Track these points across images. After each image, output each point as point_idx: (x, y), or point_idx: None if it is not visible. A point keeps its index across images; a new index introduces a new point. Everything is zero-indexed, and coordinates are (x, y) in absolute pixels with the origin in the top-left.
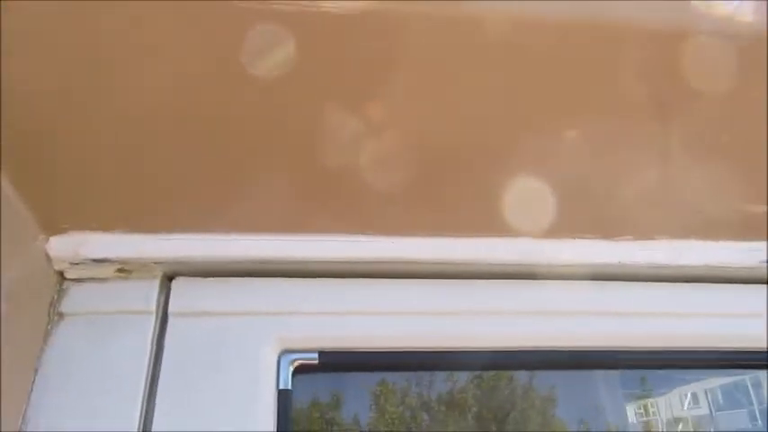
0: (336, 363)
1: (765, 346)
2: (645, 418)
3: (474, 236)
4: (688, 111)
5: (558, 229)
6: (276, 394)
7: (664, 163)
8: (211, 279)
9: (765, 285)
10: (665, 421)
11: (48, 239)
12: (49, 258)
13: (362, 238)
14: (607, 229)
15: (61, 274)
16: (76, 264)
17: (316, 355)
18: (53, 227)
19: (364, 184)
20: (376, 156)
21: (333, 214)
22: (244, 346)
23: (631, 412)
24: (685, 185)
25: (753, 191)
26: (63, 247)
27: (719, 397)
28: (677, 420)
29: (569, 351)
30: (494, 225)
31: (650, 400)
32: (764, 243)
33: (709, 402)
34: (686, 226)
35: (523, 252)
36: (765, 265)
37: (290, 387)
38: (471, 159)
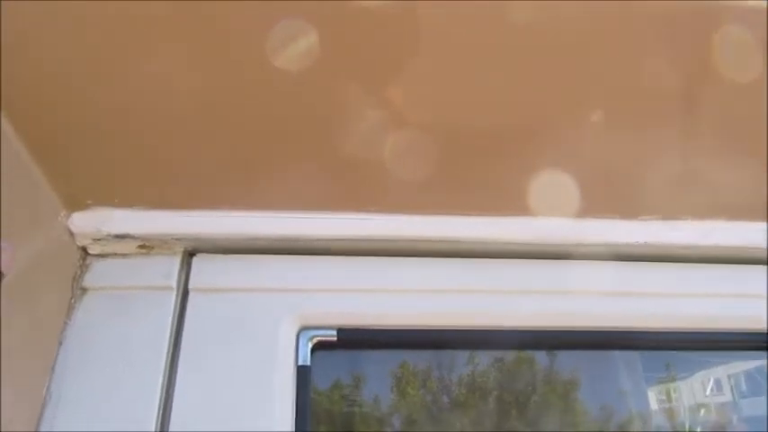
0: (355, 340)
1: None
2: (667, 405)
3: (497, 215)
4: (715, 95)
5: (584, 210)
6: (295, 370)
7: (689, 145)
8: (232, 256)
9: None
10: (687, 407)
11: (70, 215)
12: (71, 234)
13: (380, 217)
14: (633, 210)
15: (84, 249)
16: (99, 239)
17: (334, 332)
18: (76, 203)
19: (384, 167)
20: (398, 140)
21: (352, 194)
22: (263, 322)
23: (653, 398)
24: (710, 168)
25: None
26: (86, 223)
27: (742, 383)
28: (700, 406)
29: (593, 331)
30: (517, 205)
31: (672, 384)
32: None
33: (732, 388)
34: (712, 207)
35: (548, 232)
36: None
37: (308, 363)
38: (497, 142)
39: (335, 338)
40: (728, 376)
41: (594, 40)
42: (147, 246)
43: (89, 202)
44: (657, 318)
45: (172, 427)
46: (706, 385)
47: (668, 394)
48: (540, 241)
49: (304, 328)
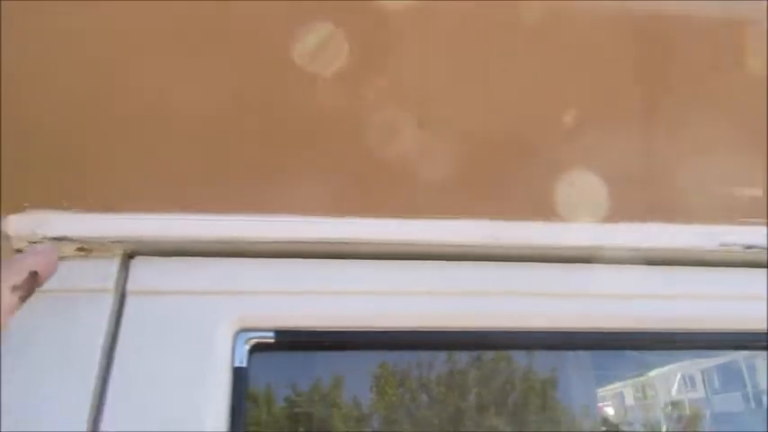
0: (293, 341)
1: None
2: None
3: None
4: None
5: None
6: (231, 372)
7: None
8: (171, 259)
9: None
10: (662, 404)
11: (6, 218)
12: (7, 237)
13: (321, 220)
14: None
15: (20, 252)
16: (35, 242)
17: (272, 334)
18: (12, 205)
19: (321, 169)
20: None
21: (294, 194)
22: (200, 324)
23: (630, 395)
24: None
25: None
26: (22, 225)
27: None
28: (674, 404)
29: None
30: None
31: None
32: None
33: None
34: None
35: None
36: None
37: (245, 365)
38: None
39: (273, 340)
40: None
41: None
42: (86, 248)
43: (26, 204)
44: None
45: (103, 427)
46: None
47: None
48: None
49: (242, 330)
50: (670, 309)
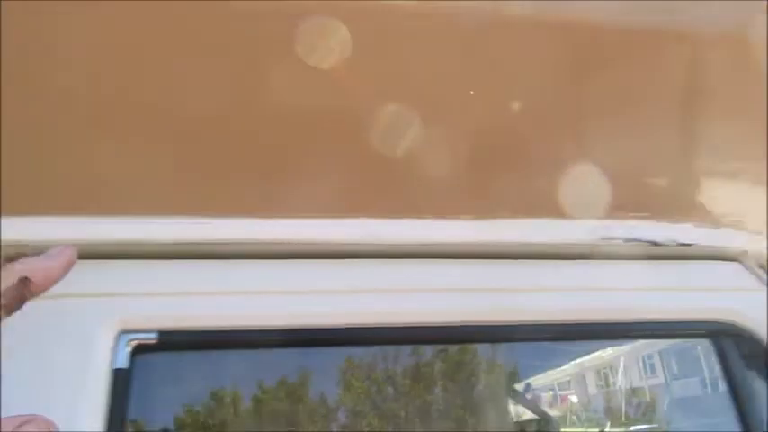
0: (176, 342)
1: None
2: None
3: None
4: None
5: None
6: (112, 373)
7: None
8: None
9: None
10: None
11: None
12: None
13: (205, 221)
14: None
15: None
16: None
17: (155, 335)
18: None
19: (216, 171)
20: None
21: (172, 196)
22: (81, 327)
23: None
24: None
25: None
26: None
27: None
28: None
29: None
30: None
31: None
32: None
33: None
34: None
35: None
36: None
37: (126, 366)
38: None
39: (156, 341)
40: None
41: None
42: None
43: None
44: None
45: None
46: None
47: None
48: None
49: (123, 332)
50: (558, 301)
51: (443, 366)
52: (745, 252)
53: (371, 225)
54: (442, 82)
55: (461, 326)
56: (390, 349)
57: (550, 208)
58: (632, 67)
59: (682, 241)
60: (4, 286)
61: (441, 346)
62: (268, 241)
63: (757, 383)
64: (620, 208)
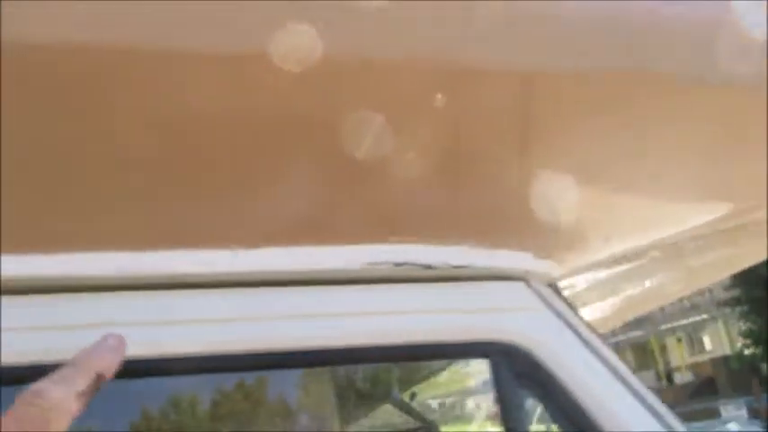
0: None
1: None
2: None
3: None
4: None
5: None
6: None
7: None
8: None
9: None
10: None
11: None
12: None
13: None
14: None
15: None
16: None
17: None
18: None
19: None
20: None
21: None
22: None
23: None
24: None
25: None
26: None
27: None
28: None
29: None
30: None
31: None
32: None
33: None
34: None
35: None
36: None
37: None
38: None
39: None
40: None
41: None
42: None
43: None
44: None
45: None
46: None
47: None
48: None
49: None
50: (331, 327)
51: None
52: (528, 272)
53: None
54: None
55: (224, 356)
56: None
57: (317, 234)
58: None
59: (456, 263)
60: (86, 384)
61: None
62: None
63: (529, 403)
64: (391, 232)
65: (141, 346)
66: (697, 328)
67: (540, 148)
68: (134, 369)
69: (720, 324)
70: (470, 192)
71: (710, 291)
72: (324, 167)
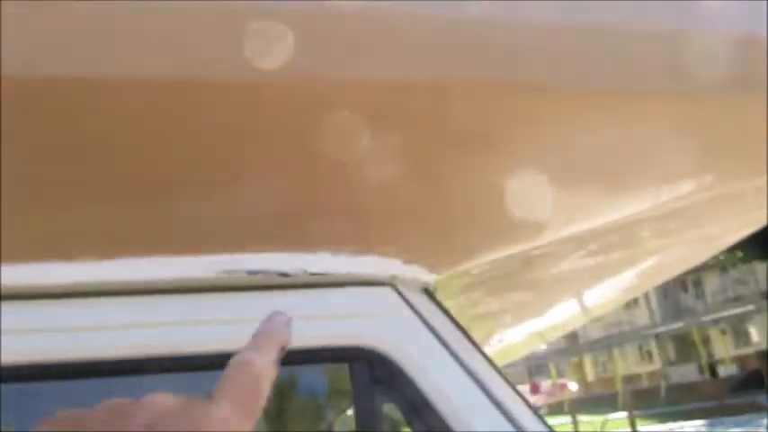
0: None
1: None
2: None
3: None
4: None
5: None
6: None
7: None
8: None
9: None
10: None
11: None
12: None
13: None
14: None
15: None
16: None
17: None
18: None
19: None
20: None
21: None
22: None
23: None
24: None
25: None
26: None
27: None
28: None
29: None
30: None
31: None
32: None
33: None
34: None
35: None
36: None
37: None
38: None
39: None
40: None
41: None
42: None
43: None
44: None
45: None
46: None
47: None
48: None
49: None
50: (186, 334)
51: None
52: (396, 277)
53: None
54: None
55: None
56: None
57: (173, 244)
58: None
59: (313, 270)
60: (275, 356)
61: None
62: None
63: (387, 408)
64: (245, 241)
65: None
66: (742, 320)
67: (408, 151)
68: None
69: (766, 316)
70: (332, 199)
71: (756, 281)
72: (177, 179)
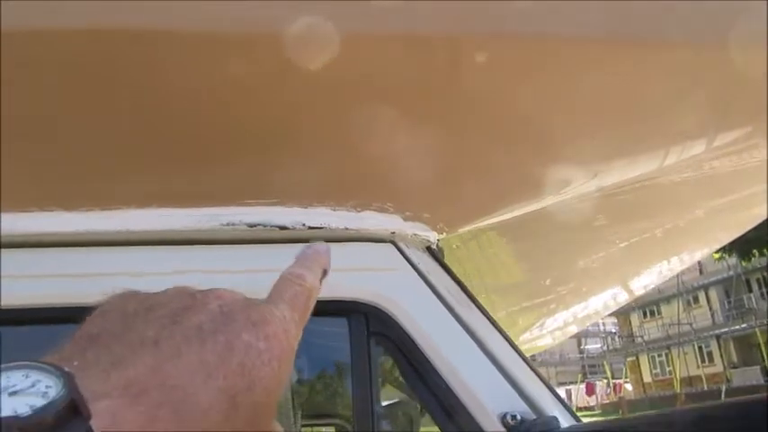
0: None
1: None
2: None
3: None
4: None
5: None
6: None
7: None
8: None
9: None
10: None
11: None
12: None
13: None
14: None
15: None
16: None
17: None
18: None
19: None
20: None
21: None
22: None
23: None
24: None
25: None
26: None
27: None
28: None
29: None
30: None
31: None
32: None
33: None
34: None
35: None
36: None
37: None
38: None
39: None
40: None
41: None
42: None
43: None
44: None
45: None
46: None
47: None
48: None
49: None
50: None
51: None
52: (396, 234)
53: None
54: None
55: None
56: None
57: (175, 197)
58: None
59: (312, 225)
60: (320, 275)
61: None
62: None
63: (382, 360)
64: (244, 194)
65: None
66: None
67: (409, 111)
68: None
69: None
70: (332, 157)
71: None
72: (185, 136)
